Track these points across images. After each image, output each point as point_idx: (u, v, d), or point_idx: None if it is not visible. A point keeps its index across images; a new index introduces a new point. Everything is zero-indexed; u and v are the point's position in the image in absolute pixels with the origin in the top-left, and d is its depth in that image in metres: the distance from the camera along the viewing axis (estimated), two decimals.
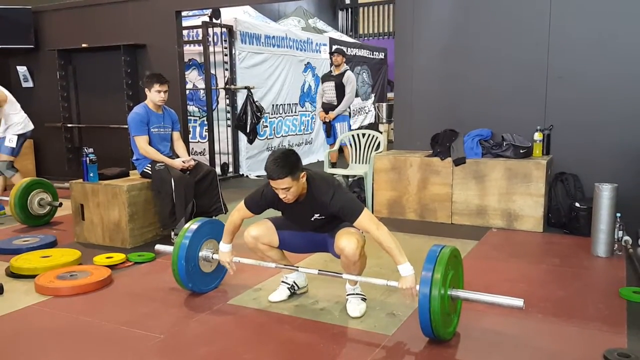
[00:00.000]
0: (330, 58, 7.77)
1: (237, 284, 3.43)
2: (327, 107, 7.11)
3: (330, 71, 7.25)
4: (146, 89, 4.50)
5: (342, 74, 6.99)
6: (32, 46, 7.56)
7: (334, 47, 9.05)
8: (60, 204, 5.17)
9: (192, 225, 3.22)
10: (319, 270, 2.98)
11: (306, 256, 3.84)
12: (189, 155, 4.77)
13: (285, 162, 2.64)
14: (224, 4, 6.72)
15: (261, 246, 3.04)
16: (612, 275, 3.59)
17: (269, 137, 8.36)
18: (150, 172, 4.45)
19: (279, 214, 3.11)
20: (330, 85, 7.05)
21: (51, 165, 7.78)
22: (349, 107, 7.37)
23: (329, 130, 7.13)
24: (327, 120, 7.07)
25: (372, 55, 11.53)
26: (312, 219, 2.89)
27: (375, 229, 2.69)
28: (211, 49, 7.44)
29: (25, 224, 5.09)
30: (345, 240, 2.77)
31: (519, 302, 2.48)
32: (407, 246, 4.09)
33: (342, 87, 6.98)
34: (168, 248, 3.33)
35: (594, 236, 3.96)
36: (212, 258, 3.24)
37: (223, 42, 7.54)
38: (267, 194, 2.86)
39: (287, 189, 2.67)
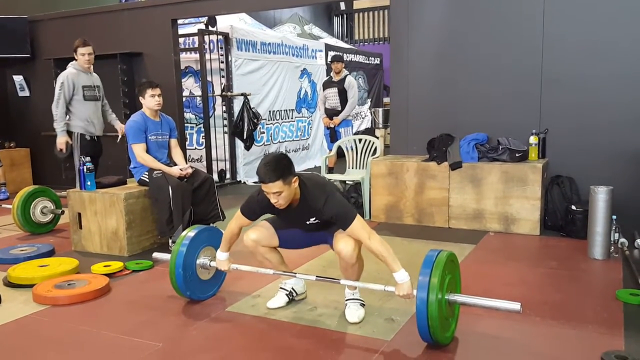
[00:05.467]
0: (329, 66, 7.80)
1: (235, 290, 3.44)
2: (331, 113, 7.13)
3: (331, 77, 7.25)
4: (140, 98, 4.52)
5: (343, 79, 7.02)
6: (28, 55, 7.57)
7: (332, 54, 9.08)
8: (63, 212, 5.17)
9: (190, 233, 3.22)
10: (317, 276, 2.99)
11: (304, 262, 3.85)
12: (187, 163, 4.78)
13: (276, 166, 2.64)
14: (220, 11, 6.75)
15: (261, 249, 3.05)
16: (609, 277, 3.60)
17: (265, 144, 8.38)
18: (147, 180, 4.46)
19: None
20: (333, 92, 7.08)
21: (48, 174, 7.76)
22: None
23: (333, 136, 7.14)
24: (332, 126, 7.09)
25: (368, 60, 11.58)
26: (308, 222, 2.90)
27: (367, 238, 2.70)
28: (207, 56, 7.46)
29: (28, 231, 5.09)
30: (343, 243, 2.79)
31: (516, 305, 2.49)
32: (405, 251, 4.12)
33: (345, 93, 7.00)
34: (165, 256, 3.33)
35: (590, 239, 3.98)
36: (210, 265, 3.24)
37: (219, 49, 7.56)
38: (262, 199, 2.84)
39: (278, 193, 2.67)
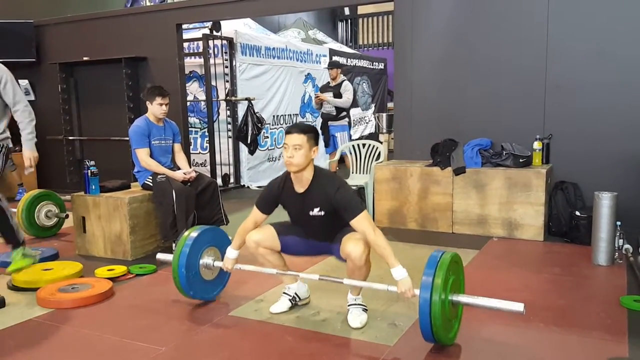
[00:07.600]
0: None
1: (238, 295, 3.44)
2: (327, 118, 7.35)
3: (329, 82, 7.38)
4: (147, 102, 4.53)
5: (340, 84, 7.19)
6: (33, 59, 7.60)
7: (329, 60, 9.16)
8: (67, 216, 5.18)
9: (193, 233, 3.22)
10: (320, 276, 2.98)
11: (308, 267, 3.85)
12: (190, 167, 4.79)
13: (307, 127, 2.92)
14: (225, 16, 6.77)
15: (262, 250, 3.06)
16: (613, 283, 3.59)
17: (269, 148, 8.39)
18: (151, 184, 4.47)
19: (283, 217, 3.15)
20: (328, 96, 7.18)
21: (53, 178, 7.79)
22: (349, 117, 7.63)
23: (328, 140, 7.24)
24: (320, 100, 7.23)
25: (372, 65, 11.59)
26: (311, 214, 2.92)
27: (372, 232, 2.74)
28: (212, 61, 7.48)
29: (32, 235, 5.10)
30: (352, 245, 2.80)
31: (519, 306, 2.48)
32: (409, 256, 4.12)
33: (341, 96, 7.13)
34: (169, 256, 3.32)
35: (594, 245, 3.96)
36: (214, 265, 3.24)
37: (223, 54, 7.59)
38: (273, 186, 3.02)
39: (297, 146, 2.80)
